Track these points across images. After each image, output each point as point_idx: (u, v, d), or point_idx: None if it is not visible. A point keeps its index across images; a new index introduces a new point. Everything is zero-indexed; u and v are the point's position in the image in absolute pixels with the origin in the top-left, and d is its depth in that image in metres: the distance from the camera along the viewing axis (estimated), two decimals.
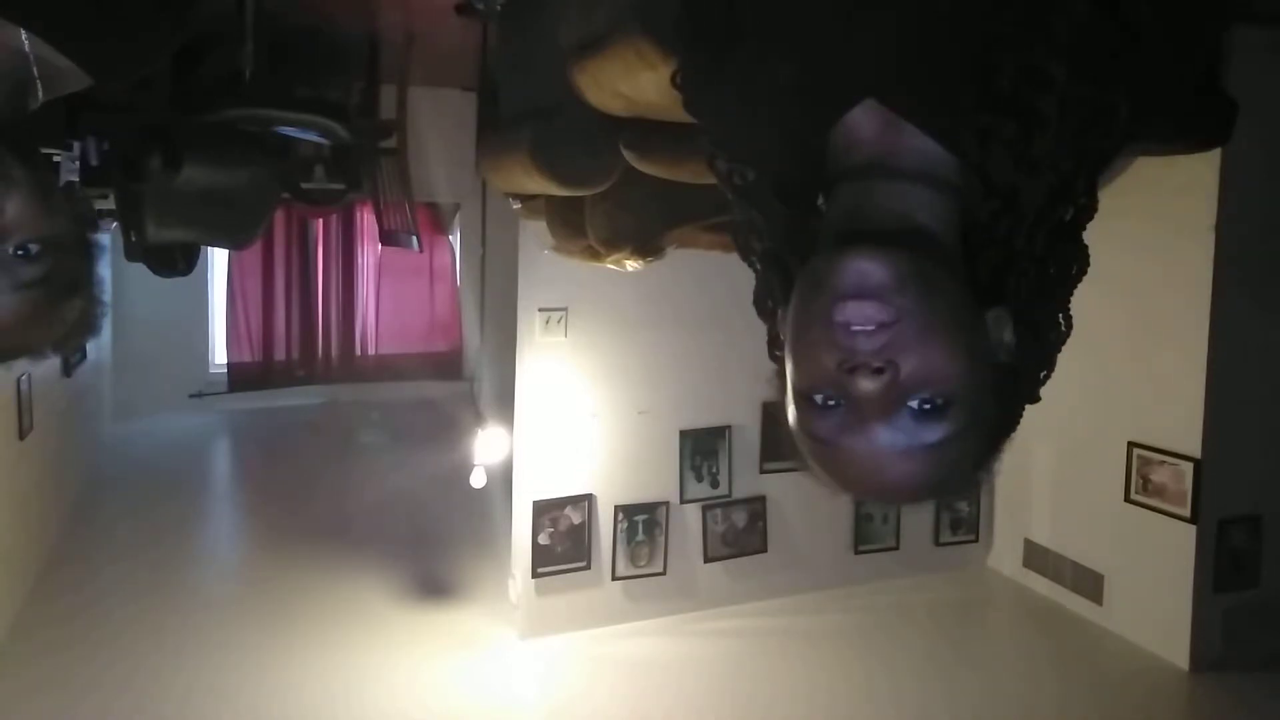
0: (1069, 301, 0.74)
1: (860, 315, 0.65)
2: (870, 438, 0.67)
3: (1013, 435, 0.75)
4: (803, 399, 0.70)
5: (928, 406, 0.66)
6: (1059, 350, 0.74)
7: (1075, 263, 0.73)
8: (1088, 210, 0.72)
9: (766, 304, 0.81)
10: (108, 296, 1.04)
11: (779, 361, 0.77)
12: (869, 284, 0.65)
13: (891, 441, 0.67)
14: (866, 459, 0.69)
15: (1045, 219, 0.71)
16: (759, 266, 0.83)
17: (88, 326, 1.01)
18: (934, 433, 0.67)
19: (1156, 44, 0.70)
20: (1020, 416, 0.75)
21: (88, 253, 0.96)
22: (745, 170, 0.82)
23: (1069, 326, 0.74)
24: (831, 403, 0.68)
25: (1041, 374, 0.74)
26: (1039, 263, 0.72)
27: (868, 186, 0.72)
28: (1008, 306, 0.70)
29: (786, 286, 0.77)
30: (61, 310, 0.92)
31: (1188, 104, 0.83)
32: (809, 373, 0.69)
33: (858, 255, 0.66)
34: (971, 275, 0.70)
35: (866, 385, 0.65)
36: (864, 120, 0.73)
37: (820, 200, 0.76)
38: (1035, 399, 0.75)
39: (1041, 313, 0.73)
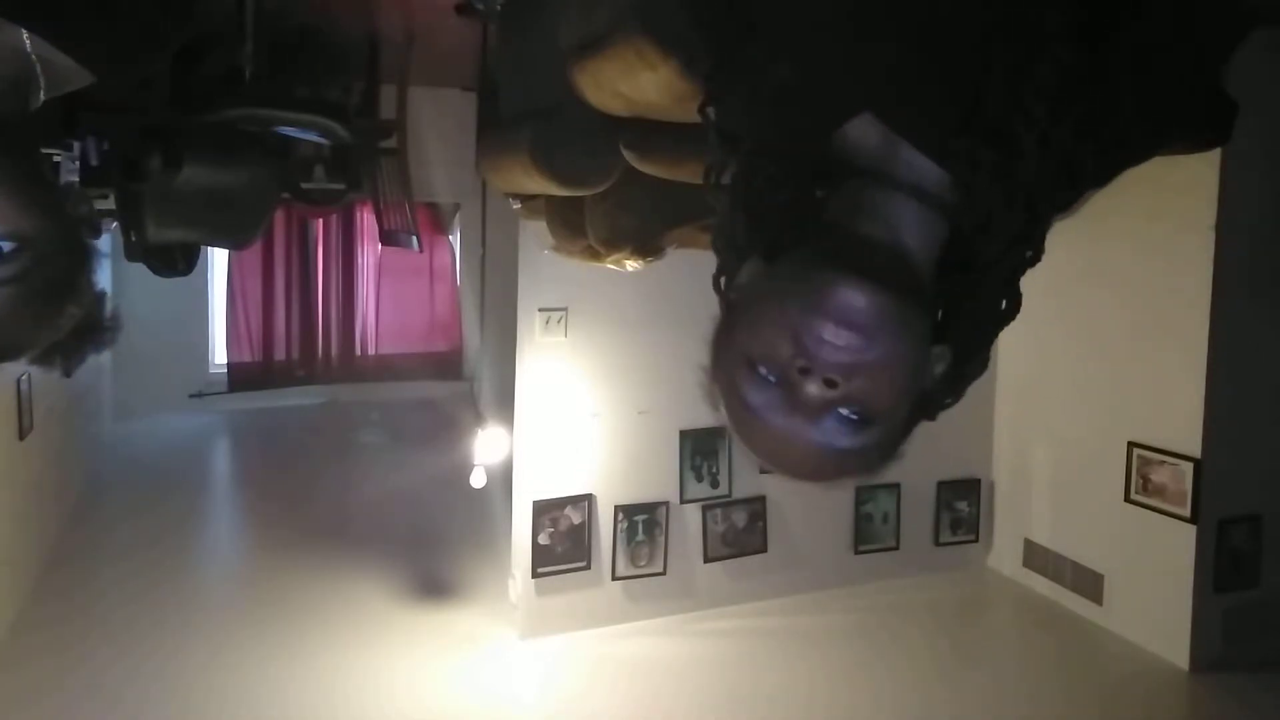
0: (992, 342, 0.78)
1: (838, 339, 0.68)
2: (792, 425, 0.72)
3: (898, 454, 0.79)
4: (745, 363, 0.73)
5: (854, 418, 0.71)
6: (969, 384, 0.79)
7: (1008, 305, 0.77)
8: (1034, 259, 0.76)
9: (730, 241, 0.82)
10: (112, 309, 1.02)
11: (722, 297, 0.81)
12: (855, 318, 0.68)
13: (809, 436, 0.72)
14: (781, 441, 0.73)
15: (1012, 251, 0.74)
16: (727, 206, 0.84)
17: (91, 337, 1.00)
18: (850, 439, 0.72)
19: (1139, 105, 0.72)
20: (908, 436, 0.79)
21: (81, 258, 0.94)
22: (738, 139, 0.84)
23: (985, 365, 0.78)
24: (771, 379, 0.72)
25: (947, 401, 0.79)
26: (987, 299, 0.76)
27: (864, 192, 0.74)
28: (949, 344, 0.74)
29: (754, 237, 0.80)
30: (47, 314, 0.90)
31: (1187, 121, 0.84)
32: (763, 348, 0.72)
33: (854, 288, 0.69)
34: (936, 295, 0.74)
35: (811, 390, 0.70)
36: (864, 129, 0.75)
37: (819, 192, 0.79)
38: (933, 418, 0.79)
39: (970, 348, 0.77)
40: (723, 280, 0.82)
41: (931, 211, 0.73)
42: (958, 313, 0.75)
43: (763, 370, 0.72)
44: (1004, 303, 0.76)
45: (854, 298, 0.69)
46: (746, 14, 0.82)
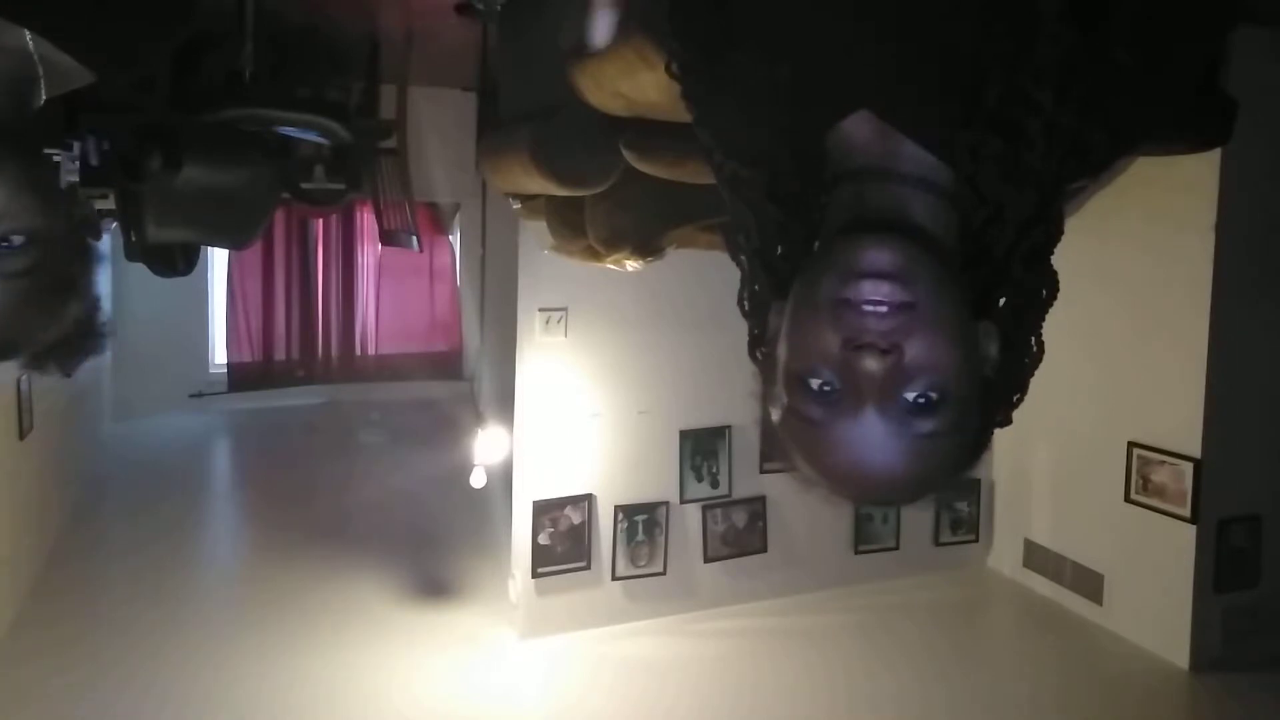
0: (1041, 326, 0.75)
1: (877, 292, 0.65)
2: (863, 421, 0.68)
3: (983, 455, 0.76)
4: (797, 382, 0.70)
5: (922, 400, 0.67)
6: (1031, 375, 0.76)
7: (1046, 287, 0.75)
8: (1055, 234, 0.74)
9: (751, 302, 0.82)
10: (108, 313, 1.03)
11: (759, 361, 0.79)
12: (886, 264, 0.66)
13: (884, 428, 0.68)
14: (856, 443, 0.69)
15: (1027, 235, 0.72)
16: (745, 265, 0.84)
17: (89, 339, 1.00)
18: (923, 425, 0.68)
19: (1140, 80, 0.71)
20: (991, 436, 0.76)
21: (84, 258, 0.95)
22: (740, 167, 0.83)
23: (1041, 350, 0.75)
24: (827, 388, 0.69)
25: (1014, 397, 0.76)
26: (1016, 284, 0.73)
27: (867, 188, 0.73)
28: (994, 322, 0.72)
29: (774, 286, 0.79)
30: (51, 310, 0.91)
31: (1187, 105, 0.84)
32: (809, 353, 0.69)
33: (876, 237, 0.67)
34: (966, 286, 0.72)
35: (871, 365, 0.66)
36: (860, 126, 0.74)
37: (816, 209, 0.77)
38: (1007, 422, 0.76)
39: (1017, 335, 0.74)
40: (758, 351, 0.80)
41: (940, 200, 0.72)
42: (991, 299, 0.73)
43: (816, 382, 0.69)
44: (1042, 289, 0.74)
45: (879, 247, 0.67)
46: (730, 18, 0.81)
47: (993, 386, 0.73)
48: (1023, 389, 0.76)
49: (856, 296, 0.66)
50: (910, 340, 0.66)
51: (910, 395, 0.67)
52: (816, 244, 0.77)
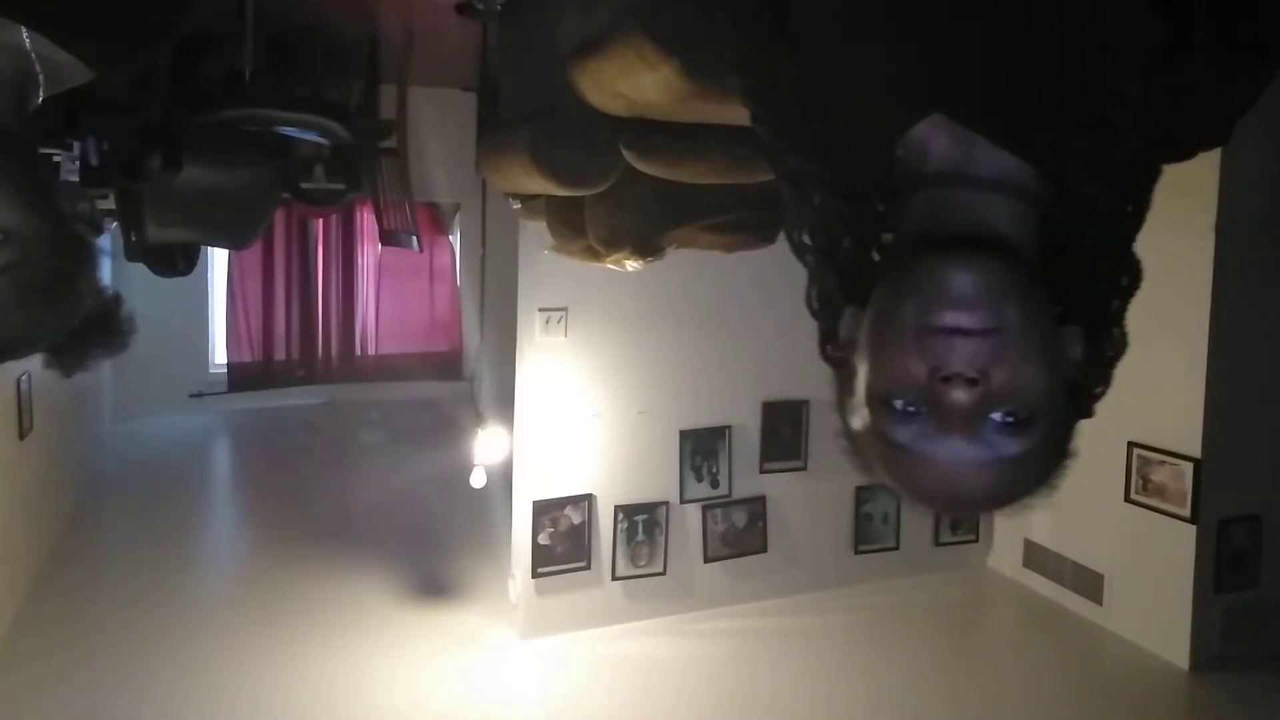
0: (1124, 316, 0.73)
1: (964, 322, 0.64)
2: (951, 448, 0.67)
3: (1070, 457, 0.74)
4: (880, 403, 0.69)
5: (1010, 420, 0.66)
6: (1115, 365, 0.74)
7: (1129, 275, 0.73)
8: (1140, 222, 0.72)
9: (821, 302, 0.80)
10: (127, 312, 1.01)
11: (832, 361, 0.77)
12: (972, 291, 0.64)
13: (972, 453, 0.66)
14: (945, 468, 0.68)
15: (1115, 227, 0.71)
16: (813, 264, 0.81)
17: (102, 340, 0.99)
18: (1013, 446, 0.66)
19: (1225, 66, 0.70)
20: (1074, 435, 0.74)
21: (77, 256, 0.93)
22: (804, 163, 0.80)
23: (1125, 340, 0.73)
24: (911, 409, 0.67)
25: (1098, 389, 0.74)
26: (1099, 278, 0.72)
27: (945, 195, 0.71)
28: (1078, 322, 0.70)
29: (847, 285, 0.77)
30: (39, 309, 0.89)
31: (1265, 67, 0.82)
32: (893, 378, 0.68)
33: (960, 261, 0.66)
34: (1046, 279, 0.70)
35: (959, 396, 0.65)
36: (935, 130, 0.72)
37: (880, 205, 0.75)
38: (1091, 414, 0.74)
39: (1102, 328, 0.73)
40: (828, 347, 0.78)
41: (1020, 203, 0.70)
42: (1075, 294, 0.71)
43: (900, 404, 0.67)
44: (1124, 277, 0.73)
45: (964, 272, 0.65)
46: (790, 15, 0.78)
47: (1076, 385, 0.71)
48: (1107, 382, 0.74)
49: (943, 324, 0.64)
50: (998, 366, 0.64)
51: (997, 416, 0.66)
52: (888, 240, 0.75)
